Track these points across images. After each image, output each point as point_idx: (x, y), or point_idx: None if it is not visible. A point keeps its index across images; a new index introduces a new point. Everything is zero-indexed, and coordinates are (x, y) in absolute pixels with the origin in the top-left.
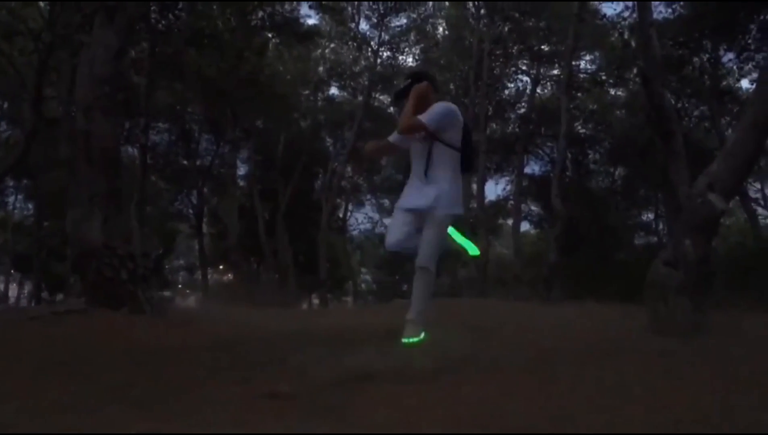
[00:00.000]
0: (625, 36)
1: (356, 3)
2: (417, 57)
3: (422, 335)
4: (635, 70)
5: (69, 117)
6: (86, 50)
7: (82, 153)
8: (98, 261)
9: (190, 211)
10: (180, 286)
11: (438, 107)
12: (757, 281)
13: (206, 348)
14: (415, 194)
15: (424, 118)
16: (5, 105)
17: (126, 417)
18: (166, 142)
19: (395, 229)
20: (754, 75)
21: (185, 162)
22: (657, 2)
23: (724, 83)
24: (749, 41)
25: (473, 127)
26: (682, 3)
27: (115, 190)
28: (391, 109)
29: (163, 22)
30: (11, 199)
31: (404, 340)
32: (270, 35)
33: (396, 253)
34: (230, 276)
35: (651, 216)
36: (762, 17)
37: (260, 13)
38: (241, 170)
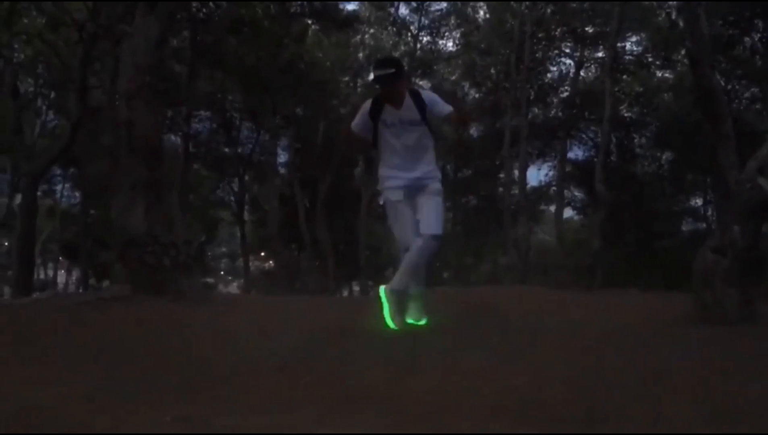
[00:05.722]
0: (672, 16)
1: None
2: (457, 41)
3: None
4: (683, 52)
5: (112, 106)
6: (128, 40)
7: (124, 142)
8: (141, 249)
9: (232, 198)
10: (222, 273)
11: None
12: None
13: (246, 336)
14: (409, 172)
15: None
16: (51, 95)
17: (163, 403)
18: (208, 130)
19: (408, 227)
20: None
21: (226, 150)
22: None
23: None
24: None
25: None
26: None
27: (156, 178)
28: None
29: (204, 10)
30: (59, 187)
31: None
32: (309, 22)
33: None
34: (271, 263)
35: (699, 201)
36: None
37: (299, 0)
38: (282, 158)
